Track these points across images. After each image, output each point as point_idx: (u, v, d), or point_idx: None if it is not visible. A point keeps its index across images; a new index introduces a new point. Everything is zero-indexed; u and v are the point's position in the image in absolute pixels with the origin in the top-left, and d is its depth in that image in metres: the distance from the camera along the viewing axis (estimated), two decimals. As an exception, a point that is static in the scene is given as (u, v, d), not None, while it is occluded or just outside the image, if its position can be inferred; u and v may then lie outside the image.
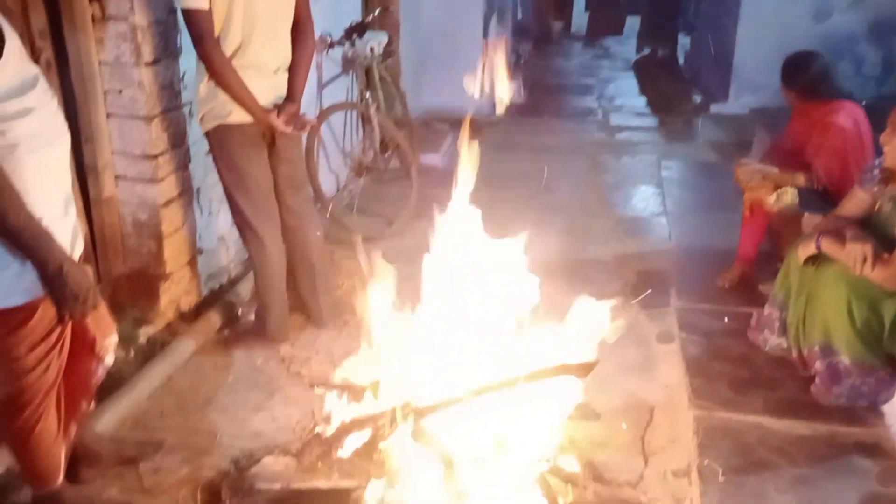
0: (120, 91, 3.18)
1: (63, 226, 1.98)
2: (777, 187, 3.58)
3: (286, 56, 3.15)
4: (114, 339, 2.27)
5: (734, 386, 3.15)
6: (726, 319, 3.66)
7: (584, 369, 2.72)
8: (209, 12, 2.86)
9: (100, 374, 2.32)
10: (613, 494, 2.54)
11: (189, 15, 2.86)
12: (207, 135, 3.16)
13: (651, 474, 2.68)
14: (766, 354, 3.34)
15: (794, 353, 3.17)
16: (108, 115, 3.22)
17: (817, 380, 3.03)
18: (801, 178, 3.56)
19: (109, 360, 2.31)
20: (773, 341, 3.31)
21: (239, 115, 3.04)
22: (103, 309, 2.18)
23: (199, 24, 2.86)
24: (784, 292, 3.22)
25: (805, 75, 3.65)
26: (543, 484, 2.44)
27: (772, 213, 3.63)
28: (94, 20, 3.08)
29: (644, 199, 5.49)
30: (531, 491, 2.43)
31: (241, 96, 2.99)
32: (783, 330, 3.25)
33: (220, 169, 3.22)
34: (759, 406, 3.02)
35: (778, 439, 2.85)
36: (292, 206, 3.37)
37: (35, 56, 2.95)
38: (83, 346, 2.20)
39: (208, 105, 3.06)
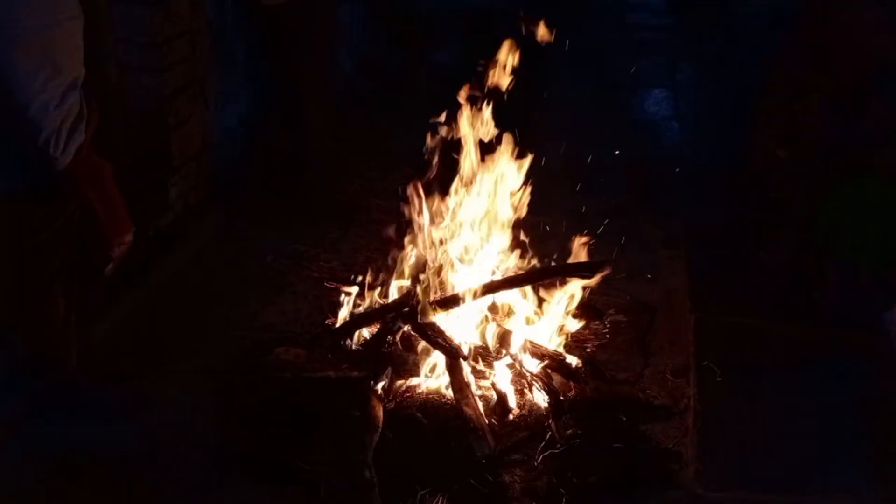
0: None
1: (56, 115, 1.84)
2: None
3: None
4: (129, 238, 2.23)
5: (737, 291, 3.19)
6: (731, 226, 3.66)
7: (592, 269, 2.73)
8: None
9: (110, 268, 2.31)
10: (613, 391, 2.61)
11: None
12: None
13: (651, 373, 2.76)
14: (771, 259, 3.35)
15: (810, 262, 3.16)
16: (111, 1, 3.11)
17: (828, 289, 3.04)
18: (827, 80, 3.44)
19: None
20: (782, 259, 3.30)
21: None
22: (120, 207, 2.15)
23: None
24: (799, 203, 3.18)
25: None
26: (545, 378, 2.51)
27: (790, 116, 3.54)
28: None
29: (657, 103, 5.38)
30: (533, 385, 2.50)
31: None
32: (796, 246, 3.24)
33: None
34: (760, 310, 3.06)
35: (776, 342, 2.91)
36: None
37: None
38: (94, 237, 2.20)
39: None
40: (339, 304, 2.81)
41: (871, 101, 3.04)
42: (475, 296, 2.56)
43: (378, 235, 3.33)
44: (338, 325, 2.71)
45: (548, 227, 3.63)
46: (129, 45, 3.18)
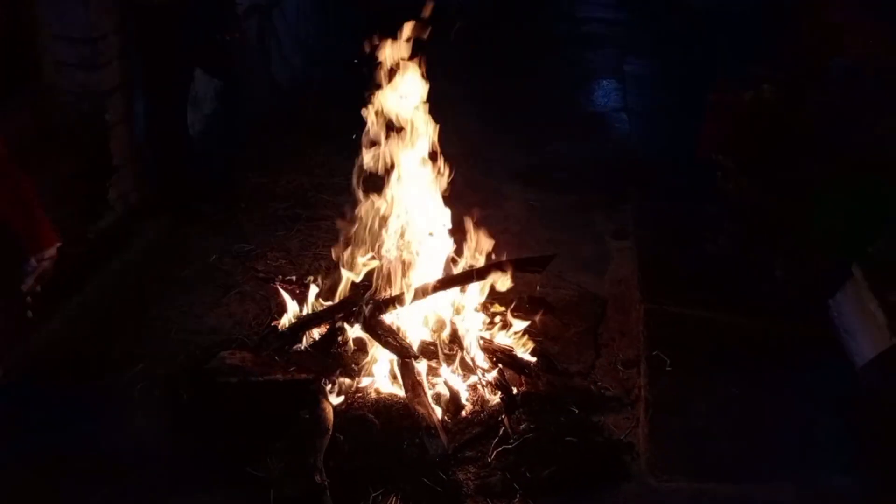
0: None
1: None
2: None
3: None
4: (52, 252, 2.05)
5: (685, 281, 3.22)
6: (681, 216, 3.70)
7: (541, 263, 2.74)
8: None
9: (31, 284, 2.07)
10: (565, 384, 2.61)
11: None
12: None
13: (602, 365, 2.77)
14: (718, 250, 3.41)
15: (756, 252, 3.21)
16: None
17: (776, 279, 3.09)
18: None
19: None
20: (728, 248, 3.35)
21: None
22: (40, 221, 2.00)
23: None
24: (741, 195, 3.23)
25: None
26: (498, 374, 2.49)
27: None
28: None
29: (606, 95, 5.42)
30: (485, 381, 2.49)
31: None
32: (743, 236, 3.29)
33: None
34: (707, 300, 3.10)
35: (724, 332, 2.94)
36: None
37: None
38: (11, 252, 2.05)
39: None
40: (287, 305, 2.76)
41: (817, 89, 3.11)
42: (424, 294, 2.53)
43: (325, 233, 3.28)
44: (285, 326, 2.65)
45: (499, 222, 3.64)
46: (63, 42, 3.06)
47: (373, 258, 2.67)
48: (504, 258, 2.71)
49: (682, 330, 2.94)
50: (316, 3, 5.00)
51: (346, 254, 2.70)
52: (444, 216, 2.68)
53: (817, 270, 3.03)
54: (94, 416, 2.42)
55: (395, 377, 2.46)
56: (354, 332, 2.55)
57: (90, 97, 3.16)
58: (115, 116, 3.25)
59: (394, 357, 2.46)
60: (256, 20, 4.42)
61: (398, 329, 2.52)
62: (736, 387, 2.67)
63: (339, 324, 2.57)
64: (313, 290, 2.77)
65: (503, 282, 2.61)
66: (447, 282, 2.60)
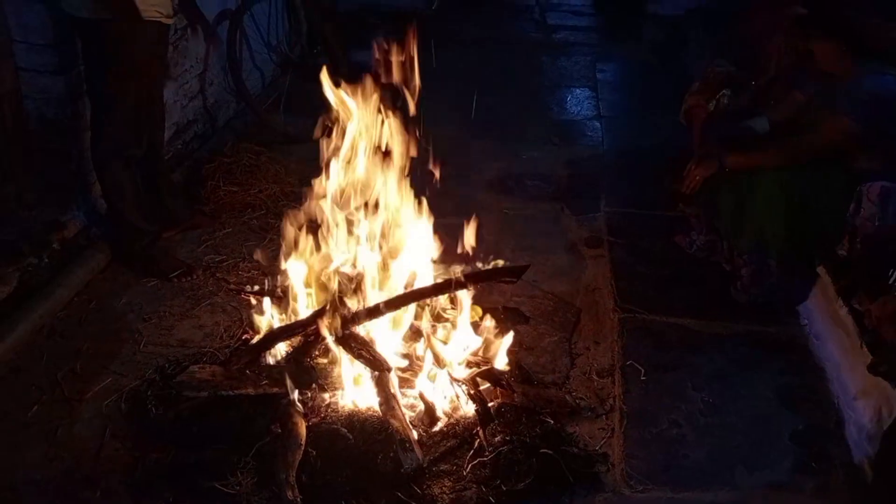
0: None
1: None
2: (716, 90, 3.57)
3: None
4: None
5: (658, 288, 3.24)
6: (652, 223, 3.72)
7: (514, 273, 2.72)
8: None
9: None
10: (540, 395, 2.60)
11: None
12: (92, 24, 2.75)
13: (577, 374, 2.76)
14: (689, 257, 3.43)
15: (724, 249, 3.23)
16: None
17: (740, 282, 3.13)
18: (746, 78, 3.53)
19: None
20: (699, 243, 3.39)
21: (147, 11, 2.77)
22: None
23: None
24: (705, 199, 3.24)
25: None
26: (472, 386, 2.47)
27: (706, 114, 3.63)
28: None
29: (578, 103, 5.44)
30: (460, 394, 2.47)
31: None
32: (709, 231, 3.33)
33: (101, 63, 2.86)
34: (680, 307, 3.11)
35: (697, 339, 2.96)
36: (157, 106, 3.18)
37: None
38: None
39: None
40: (258, 317, 2.71)
41: (794, 92, 3.14)
42: (397, 305, 2.50)
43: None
44: (256, 339, 2.61)
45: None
46: (25, 47, 2.99)
47: (342, 269, 2.63)
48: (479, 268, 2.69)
49: (656, 338, 2.95)
50: (287, 8, 4.95)
51: (315, 262, 2.66)
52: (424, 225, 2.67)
53: (778, 273, 3.05)
54: (58, 432, 2.36)
55: (368, 389, 2.43)
56: (327, 344, 2.51)
57: (53, 103, 3.09)
58: (80, 123, 3.17)
59: (368, 368, 2.43)
60: (227, 26, 4.36)
61: (371, 341, 2.49)
62: (710, 395, 2.67)
63: (310, 336, 2.53)
64: (283, 300, 2.72)
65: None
66: (421, 293, 2.57)
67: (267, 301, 2.69)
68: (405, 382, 2.50)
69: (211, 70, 4.33)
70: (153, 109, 3.10)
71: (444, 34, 6.65)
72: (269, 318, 2.65)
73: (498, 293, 3.06)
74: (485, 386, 2.51)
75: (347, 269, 2.66)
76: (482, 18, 7.26)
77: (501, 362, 2.60)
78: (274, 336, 2.54)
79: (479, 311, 2.77)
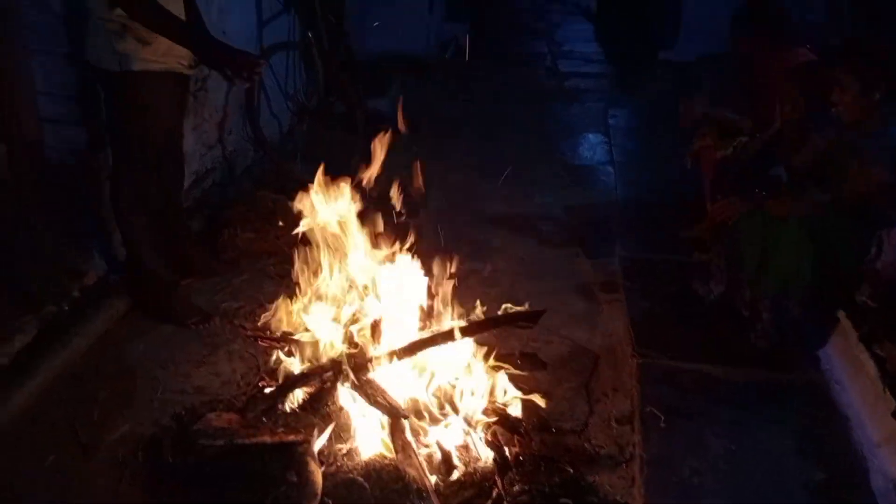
0: (40, 26, 2.97)
1: None
2: (721, 133, 3.60)
3: None
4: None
5: (676, 334, 3.21)
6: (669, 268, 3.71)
7: (531, 319, 2.72)
8: None
9: None
10: (559, 442, 2.57)
11: None
12: (118, 76, 2.78)
13: (595, 422, 2.73)
14: (706, 300, 3.40)
15: (746, 298, 3.20)
16: (29, 52, 3.00)
17: (760, 327, 3.10)
18: (749, 123, 3.56)
19: None
20: (716, 292, 3.36)
21: (170, 64, 2.84)
22: None
23: None
24: (728, 243, 3.24)
25: (767, 17, 3.62)
26: (489, 434, 2.45)
27: (716, 159, 3.65)
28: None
29: (591, 148, 5.48)
30: (477, 442, 2.44)
31: (179, 37, 2.73)
32: (727, 282, 3.30)
33: (124, 114, 2.90)
34: (699, 353, 3.08)
35: (717, 385, 2.92)
36: (177, 154, 3.22)
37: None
38: None
39: (126, 44, 2.72)
40: (275, 364, 2.71)
41: (812, 137, 3.16)
42: (413, 351, 2.50)
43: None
44: (273, 386, 2.60)
45: (487, 275, 3.64)
46: (48, 98, 3.07)
47: (354, 317, 2.65)
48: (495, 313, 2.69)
49: (675, 384, 2.92)
50: (304, 58, 5.06)
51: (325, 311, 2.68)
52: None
53: (800, 318, 3.02)
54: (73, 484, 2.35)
55: (385, 438, 2.41)
56: (343, 391, 2.50)
57: (75, 153, 3.16)
58: (101, 172, 3.24)
59: (384, 416, 2.41)
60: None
61: (387, 388, 2.48)
62: (730, 441, 2.63)
63: (327, 383, 2.52)
64: (300, 347, 2.73)
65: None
66: (436, 338, 2.57)
67: (283, 348, 2.70)
68: (421, 430, 2.48)
69: (230, 119, 4.42)
70: (173, 159, 3.16)
71: (458, 81, 6.78)
72: (285, 364, 2.66)
73: (514, 338, 3.05)
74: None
75: (362, 316, 2.67)
76: (495, 66, 7.38)
77: (518, 409, 2.58)
78: (290, 384, 2.54)
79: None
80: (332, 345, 2.65)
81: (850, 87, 2.91)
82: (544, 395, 2.74)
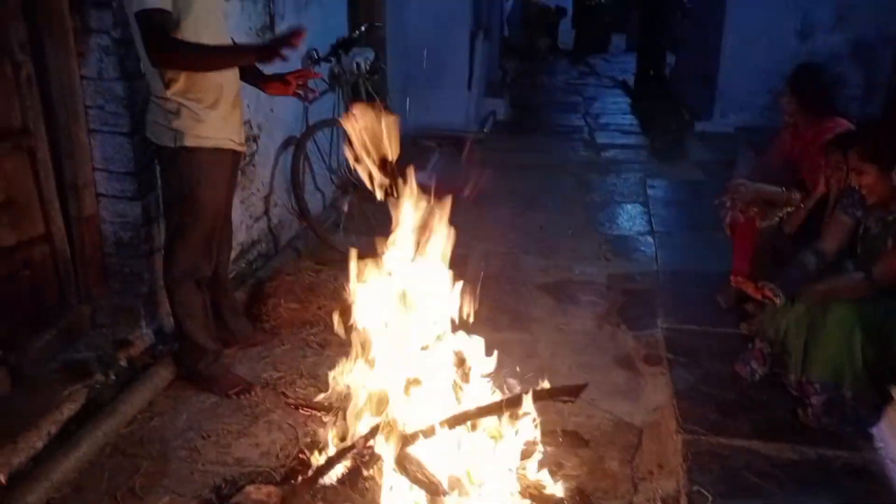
0: (102, 107, 3.13)
1: None
2: (767, 206, 3.58)
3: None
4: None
5: (722, 409, 3.12)
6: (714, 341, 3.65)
7: (572, 393, 2.68)
8: (170, 13, 2.69)
9: None
10: (603, 522, 2.50)
11: (149, 16, 2.65)
12: (172, 151, 2.90)
13: (640, 501, 2.65)
14: (751, 375, 3.31)
15: (793, 381, 3.11)
16: (89, 131, 3.17)
17: (810, 409, 3.00)
18: (798, 197, 3.53)
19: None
20: (760, 373, 3.28)
21: (222, 141, 2.97)
22: None
23: (160, 25, 2.66)
24: (773, 328, 3.17)
25: (814, 85, 3.63)
26: (532, 512, 2.39)
27: (758, 230, 3.63)
28: (75, 33, 3.02)
29: (630, 219, 5.49)
30: (519, 519, 2.39)
31: (223, 57, 2.84)
32: (772, 363, 3.22)
33: (178, 188, 3.00)
34: (747, 430, 2.99)
35: (766, 463, 2.82)
36: (227, 227, 3.33)
37: (15, 70, 2.90)
38: None
39: (181, 122, 2.85)
40: (316, 435, 2.71)
41: (841, 217, 3.12)
42: (453, 424, 2.47)
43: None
44: (313, 458, 2.59)
45: (528, 346, 3.62)
46: (106, 174, 3.21)
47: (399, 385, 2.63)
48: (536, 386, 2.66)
49: (722, 462, 2.82)
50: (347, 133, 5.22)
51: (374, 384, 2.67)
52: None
53: (854, 404, 2.92)
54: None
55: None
56: (381, 465, 2.48)
57: (129, 227, 3.28)
58: (153, 245, 3.35)
59: (423, 491, 2.38)
60: (291, 151, 4.61)
61: (426, 463, 2.44)
62: (782, 524, 2.53)
63: (366, 457, 2.50)
64: (340, 419, 2.72)
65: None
66: (476, 412, 2.54)
67: (324, 418, 2.70)
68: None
69: (276, 192, 4.56)
70: (223, 231, 3.26)
71: (497, 154, 6.91)
72: (325, 435, 2.65)
73: (555, 412, 3.00)
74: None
75: (403, 386, 2.66)
76: (533, 139, 7.52)
77: (560, 488, 2.52)
78: (330, 459, 2.52)
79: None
80: (373, 414, 2.64)
81: (867, 171, 2.90)
82: (587, 472, 2.68)
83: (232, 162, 3.12)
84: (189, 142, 2.88)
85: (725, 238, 3.99)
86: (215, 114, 2.90)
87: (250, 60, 3.00)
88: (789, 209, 3.51)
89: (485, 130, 7.58)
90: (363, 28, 5.27)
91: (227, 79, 2.95)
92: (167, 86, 2.81)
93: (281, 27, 4.20)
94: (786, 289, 3.03)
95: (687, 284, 4.30)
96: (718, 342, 3.63)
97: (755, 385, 3.27)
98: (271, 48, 2.79)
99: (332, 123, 5.03)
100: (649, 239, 5.08)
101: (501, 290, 4.24)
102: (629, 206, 5.71)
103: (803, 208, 3.41)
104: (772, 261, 3.36)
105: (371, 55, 5.08)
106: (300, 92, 3.25)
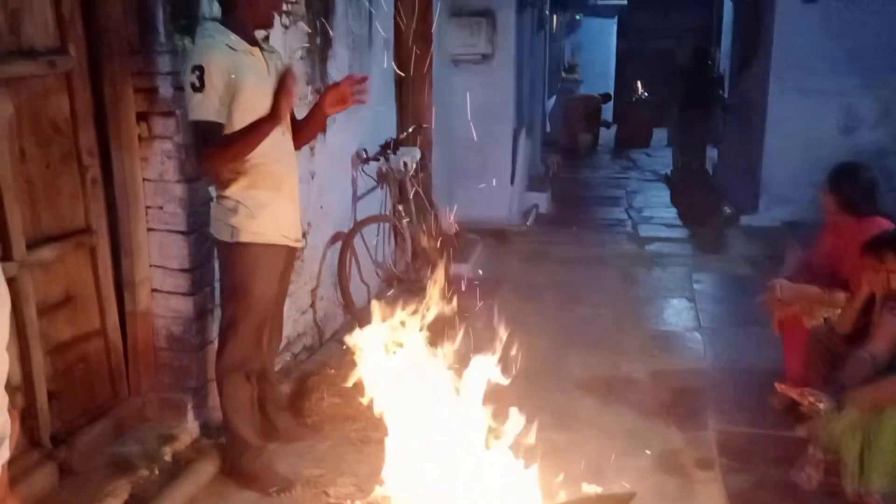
0: (161, 207, 3.28)
1: None
2: (813, 305, 3.51)
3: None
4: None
5: (780, 518, 2.98)
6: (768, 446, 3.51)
7: (622, 501, 2.59)
8: (221, 125, 2.86)
9: None
10: None
11: (201, 125, 2.84)
12: (229, 246, 3.03)
13: None
14: (807, 481, 3.17)
15: (849, 492, 2.97)
16: (148, 230, 3.31)
17: None
18: (841, 297, 3.46)
19: None
20: (816, 480, 3.13)
21: (276, 237, 3.07)
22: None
23: (211, 134, 2.83)
24: (827, 435, 3.05)
25: (853, 185, 3.60)
26: None
27: (807, 329, 3.54)
28: (140, 139, 3.21)
29: (677, 314, 5.41)
30: None
31: (254, 128, 2.87)
32: (828, 471, 3.09)
33: (233, 281, 3.09)
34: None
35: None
36: (278, 321, 3.40)
37: (82, 173, 3.08)
38: None
39: (238, 219, 2.98)
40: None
41: (887, 318, 3.04)
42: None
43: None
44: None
45: (573, 447, 3.52)
46: (161, 271, 3.33)
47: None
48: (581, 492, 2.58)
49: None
50: (394, 228, 5.35)
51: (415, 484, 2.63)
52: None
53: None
54: None
55: None
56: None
57: (181, 322, 3.36)
58: (203, 340, 3.42)
59: None
60: (339, 247, 4.73)
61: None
62: None
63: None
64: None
65: None
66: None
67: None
68: None
69: (322, 286, 4.64)
70: (273, 326, 3.32)
71: (540, 247, 6.95)
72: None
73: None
74: None
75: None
76: (576, 232, 7.56)
77: None
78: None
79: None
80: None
81: None
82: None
83: (286, 257, 3.21)
84: (245, 237, 2.99)
85: (776, 335, 3.90)
86: (271, 211, 3.02)
87: (279, 111, 2.92)
88: (836, 310, 3.43)
89: (528, 224, 7.66)
90: (411, 129, 5.48)
91: (285, 175, 3.08)
92: (226, 185, 2.97)
93: (332, 127, 4.39)
94: (833, 394, 2.93)
95: (738, 383, 4.18)
96: (773, 446, 3.49)
97: (813, 492, 3.12)
98: (286, 98, 2.88)
99: (380, 219, 5.17)
100: (697, 335, 4.99)
101: (544, 386, 4.17)
102: (675, 301, 5.64)
103: (852, 309, 3.33)
104: (827, 363, 3.26)
105: (417, 154, 5.25)
106: (359, 98, 3.13)
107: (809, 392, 2.99)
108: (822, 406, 2.94)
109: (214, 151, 2.88)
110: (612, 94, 13.78)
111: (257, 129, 2.88)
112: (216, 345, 3.22)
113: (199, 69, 2.76)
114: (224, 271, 3.16)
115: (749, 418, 3.76)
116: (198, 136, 2.89)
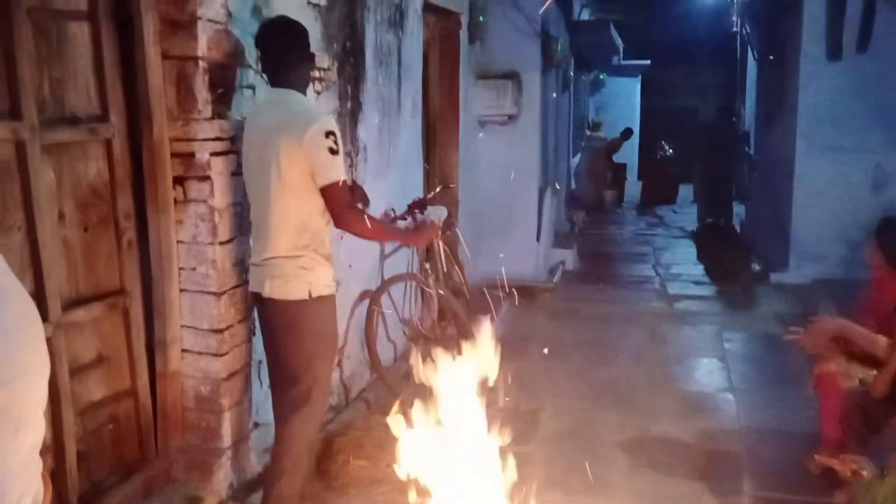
0: (194, 268, 3.33)
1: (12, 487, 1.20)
2: (850, 356, 3.43)
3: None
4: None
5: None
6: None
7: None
8: None
9: None
10: None
11: (345, 186, 3.05)
12: (306, 303, 3.07)
13: None
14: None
15: None
16: (180, 291, 3.36)
17: None
18: (883, 342, 3.37)
19: None
20: None
21: (334, 287, 3.17)
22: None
23: (344, 193, 3.05)
24: (871, 502, 2.95)
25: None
26: None
27: (842, 390, 3.46)
28: (175, 202, 3.29)
29: (708, 374, 5.32)
30: None
31: (392, 233, 3.41)
32: None
33: (307, 338, 3.12)
34: None
35: None
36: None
37: (118, 236, 3.15)
38: None
39: (314, 275, 3.07)
40: None
41: None
42: None
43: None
44: None
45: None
46: (192, 332, 3.37)
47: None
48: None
49: None
50: (420, 286, 5.36)
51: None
52: None
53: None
54: None
55: None
56: None
57: (210, 382, 3.38)
58: (231, 400, 3.43)
59: None
60: (366, 304, 4.75)
61: None
62: None
63: None
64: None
65: None
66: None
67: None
68: None
69: (349, 344, 4.65)
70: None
71: (567, 304, 6.91)
72: None
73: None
74: None
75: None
76: (603, 289, 7.52)
77: None
78: None
79: None
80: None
81: None
82: None
83: (329, 307, 3.24)
84: (324, 291, 3.11)
85: (811, 396, 3.81)
86: (329, 263, 3.15)
87: (416, 242, 3.68)
88: (871, 371, 3.35)
89: (554, 280, 7.64)
90: (438, 189, 5.55)
91: (332, 233, 3.20)
92: (299, 243, 3.06)
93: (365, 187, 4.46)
94: (875, 459, 2.84)
95: (773, 446, 4.07)
96: (813, 511, 3.38)
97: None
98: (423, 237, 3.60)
99: (407, 278, 5.19)
100: (729, 396, 4.89)
101: (574, 449, 4.10)
102: (706, 361, 5.55)
103: (887, 372, 3.25)
104: (865, 426, 3.17)
105: (444, 213, 5.29)
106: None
107: (851, 459, 2.90)
108: (864, 473, 2.85)
109: (359, 219, 3.14)
110: (632, 128, 13.81)
111: (392, 233, 3.88)
112: (244, 404, 3.21)
113: (333, 134, 2.97)
114: (296, 332, 3.12)
115: (786, 484, 3.65)
116: (342, 194, 3.04)
